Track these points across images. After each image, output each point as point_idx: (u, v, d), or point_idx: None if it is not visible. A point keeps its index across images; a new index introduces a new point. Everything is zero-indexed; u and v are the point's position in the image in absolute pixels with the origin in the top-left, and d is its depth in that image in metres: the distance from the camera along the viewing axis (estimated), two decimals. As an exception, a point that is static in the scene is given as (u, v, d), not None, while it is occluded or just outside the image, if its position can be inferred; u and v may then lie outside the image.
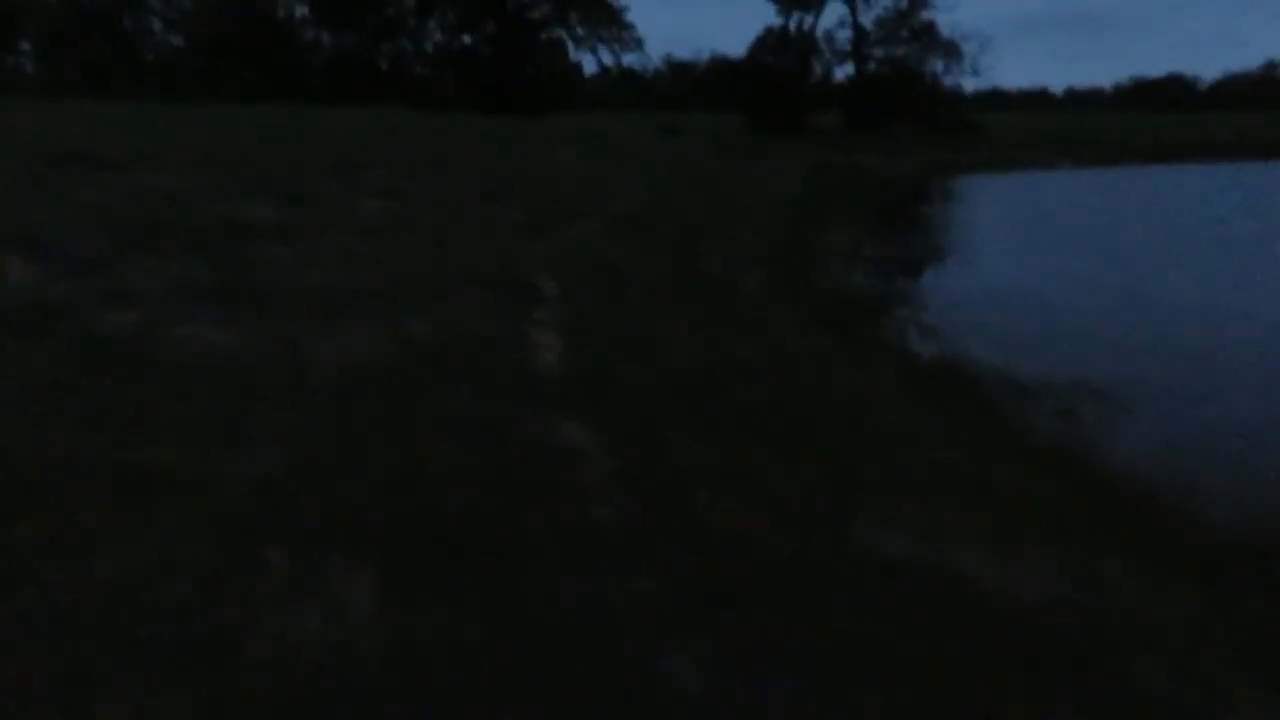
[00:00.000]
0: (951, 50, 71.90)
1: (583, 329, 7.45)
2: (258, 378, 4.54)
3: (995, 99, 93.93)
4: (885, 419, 6.73)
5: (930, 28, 72.07)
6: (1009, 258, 20.27)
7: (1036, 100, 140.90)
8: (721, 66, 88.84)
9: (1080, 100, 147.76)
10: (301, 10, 62.30)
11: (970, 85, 74.36)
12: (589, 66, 77.39)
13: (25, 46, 64.52)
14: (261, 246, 7.34)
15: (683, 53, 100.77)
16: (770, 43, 68.55)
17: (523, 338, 6.68)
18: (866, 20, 71.01)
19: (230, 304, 5.60)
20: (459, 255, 9.43)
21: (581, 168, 26.26)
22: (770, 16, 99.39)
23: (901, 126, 65.18)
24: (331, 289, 6.65)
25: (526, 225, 13.58)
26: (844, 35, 71.12)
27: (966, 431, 6.95)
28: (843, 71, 73.57)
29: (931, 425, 6.88)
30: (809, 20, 69.74)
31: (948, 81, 73.31)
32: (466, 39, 62.90)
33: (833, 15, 73.41)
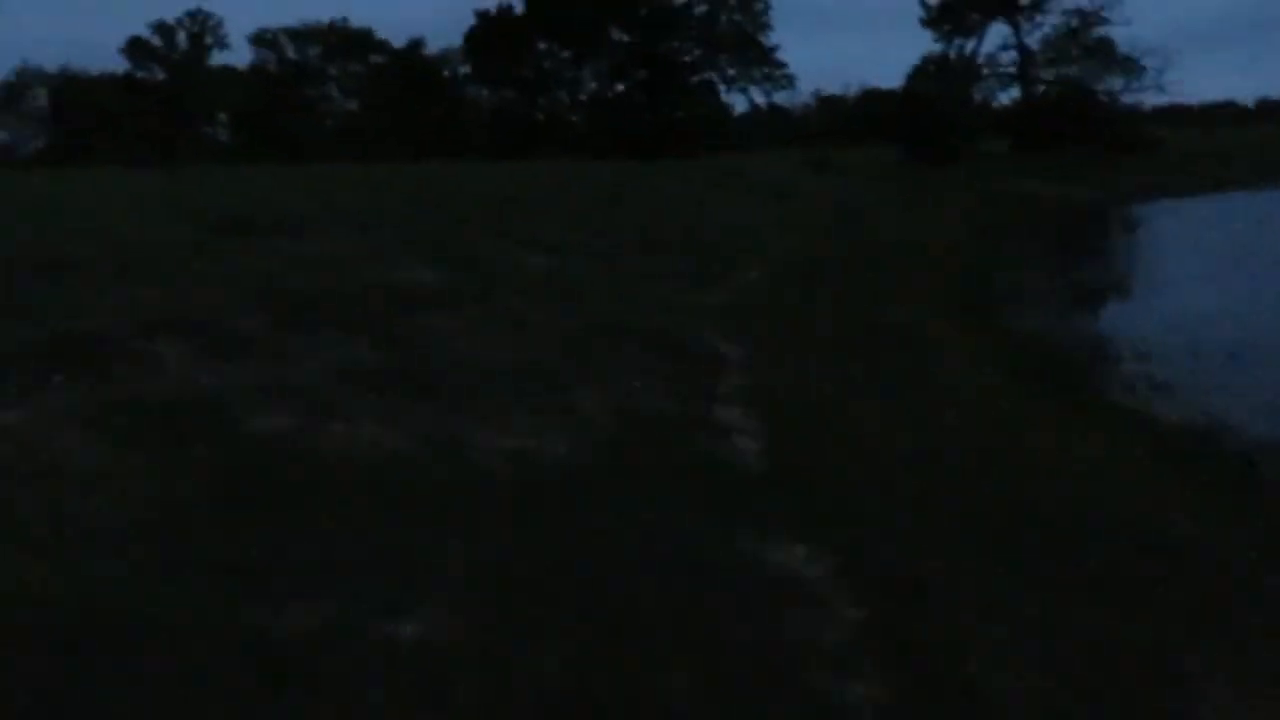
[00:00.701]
0: (1130, 67, 66.80)
1: (771, 404, 6.49)
2: (422, 492, 3.84)
3: (1175, 114, 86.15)
4: (1163, 522, 5.38)
5: (1106, 44, 67.43)
6: (1221, 293, 17.81)
7: (1223, 113, 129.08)
8: (874, 98, 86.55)
9: (1275, 111, 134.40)
10: (464, 69, 65.19)
11: (1149, 102, 68.40)
12: (738, 104, 76.87)
13: (222, 118, 70.74)
14: (426, 317, 6.82)
15: (831, 87, 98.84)
16: (929, 70, 66.03)
17: (709, 419, 5.79)
18: (1032, 40, 67.31)
19: (393, 392, 4.99)
20: (627, 315, 8.69)
21: (738, 210, 25.45)
22: (923, 46, 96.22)
23: (1076, 150, 60.98)
24: (500, 366, 5.99)
25: (691, 276, 12.79)
26: (1008, 57, 67.62)
27: (1272, 535, 5.47)
28: (1008, 95, 69.97)
29: (1224, 529, 5.47)
30: (970, 45, 66.84)
31: (1127, 100, 68.03)
32: (620, 87, 63.95)
33: (995, 38, 69.57)
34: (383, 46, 66.14)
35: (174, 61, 64.75)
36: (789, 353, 8.77)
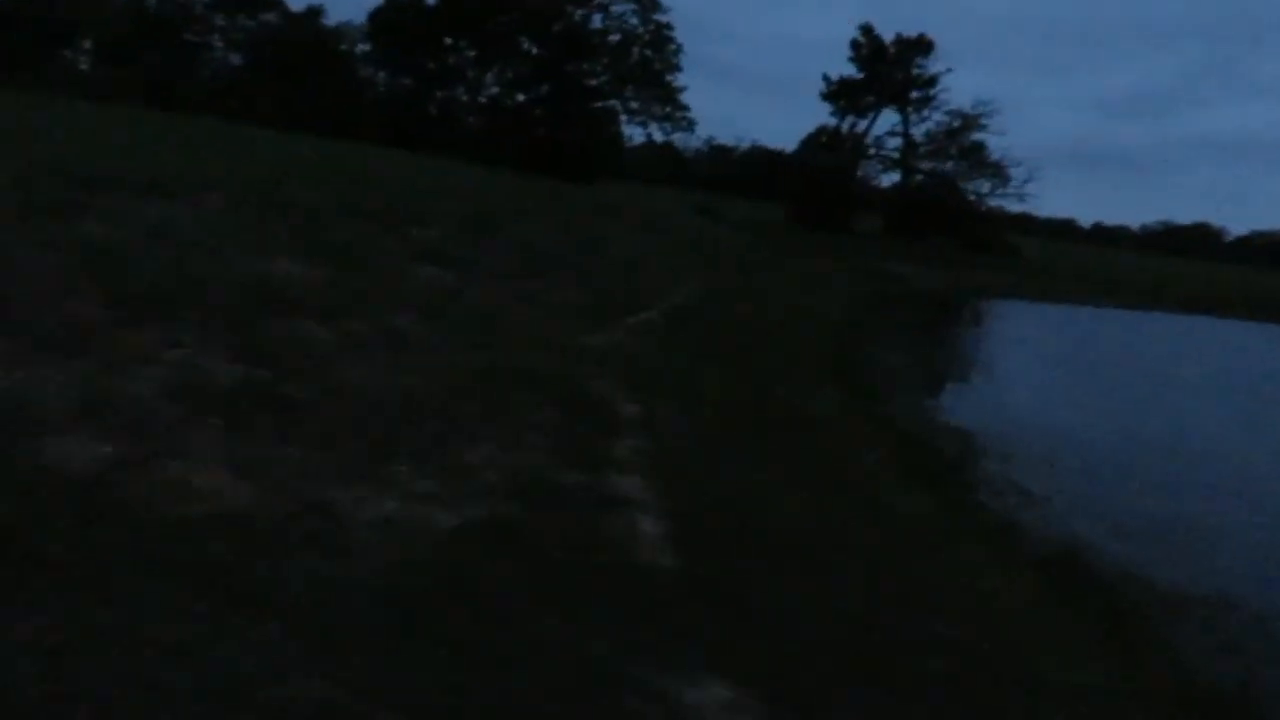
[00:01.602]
0: (998, 172, 71.69)
1: (672, 475, 5.96)
2: (268, 578, 3.03)
3: (1023, 223, 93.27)
4: (1051, 662, 5.16)
5: (979, 148, 72.13)
6: (1073, 401, 18.84)
7: (1063, 230, 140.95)
8: (764, 156, 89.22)
9: (1106, 236, 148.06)
10: (363, 47, 62.75)
11: (1010, 208, 73.74)
12: (631, 136, 76.96)
13: (87, 46, 64.81)
14: (297, 324, 5.91)
15: (720, 137, 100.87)
16: (822, 140, 68.54)
17: (609, 491, 5.18)
18: (917, 132, 71.15)
19: (249, 423, 4.12)
20: (519, 351, 8.00)
21: (631, 244, 25.11)
22: (811, 117, 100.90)
23: (939, 240, 64.65)
24: (379, 399, 5.19)
25: (584, 312, 12.20)
26: (894, 143, 71.18)
27: (1155, 684, 5.39)
28: (888, 179, 73.60)
29: (1099, 668, 5.34)
30: (862, 124, 69.94)
31: (990, 203, 72.99)
32: (520, 96, 63.03)
33: (885, 123, 73.31)
34: (278, 6, 62.65)
35: (41, -24, 58.94)
36: (685, 414, 8.30)
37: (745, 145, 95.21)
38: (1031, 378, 22.09)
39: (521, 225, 20.38)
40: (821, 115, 77.57)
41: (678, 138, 73.73)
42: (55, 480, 3.13)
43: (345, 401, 4.93)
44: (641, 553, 4.49)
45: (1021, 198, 72.09)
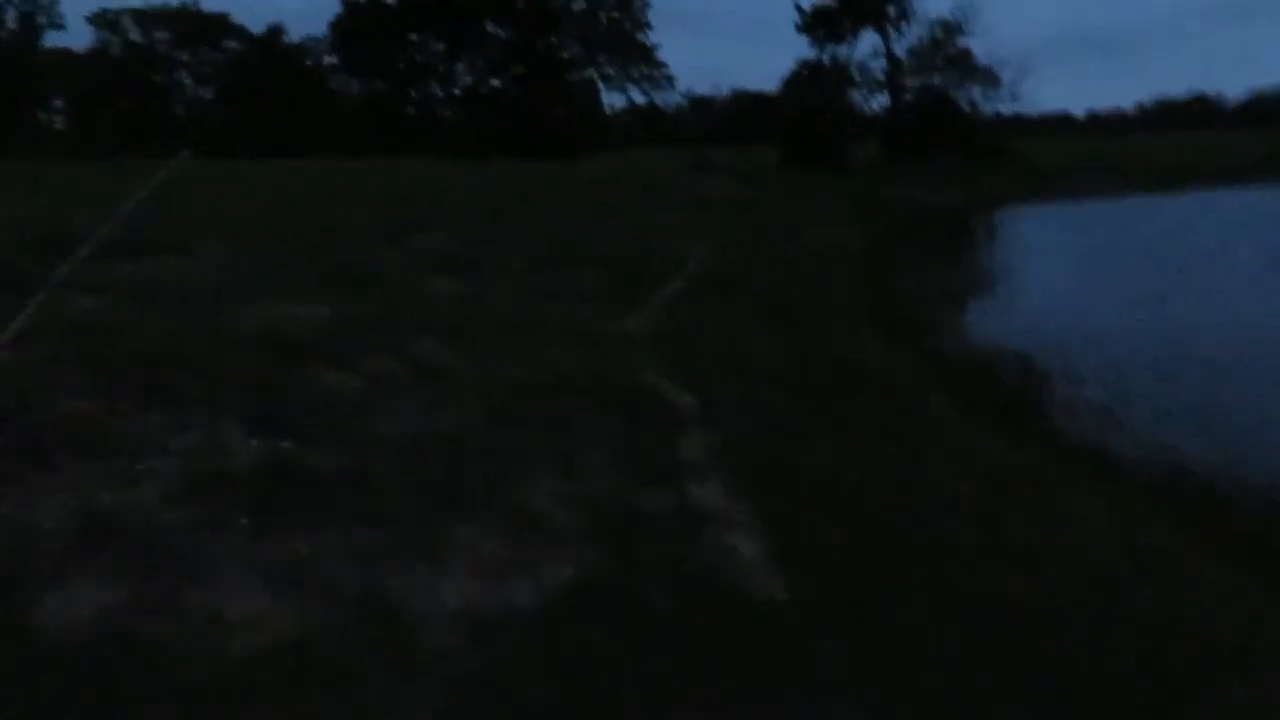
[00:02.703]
0: (988, 77, 69.99)
1: (752, 476, 5.38)
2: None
3: (1019, 125, 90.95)
4: (1242, 631, 4.57)
5: (966, 55, 70.38)
6: (1120, 302, 18.02)
7: (1058, 124, 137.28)
8: (749, 100, 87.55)
9: (1103, 123, 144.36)
10: (330, 59, 61.85)
11: (1004, 111, 71.78)
12: (612, 103, 75.28)
13: (58, 104, 64.36)
14: (318, 374, 5.36)
15: (700, 88, 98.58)
16: (805, 75, 66.97)
17: (694, 513, 4.61)
18: (900, 49, 69.38)
19: (279, 515, 3.57)
20: (554, 355, 7.42)
21: (632, 214, 24.39)
22: (789, 53, 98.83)
23: (938, 156, 63.13)
24: (421, 446, 4.63)
25: (609, 295, 11.58)
26: (877, 65, 69.47)
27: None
28: (878, 103, 71.86)
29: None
30: (843, 52, 68.23)
31: (985, 109, 71.29)
32: (495, 82, 61.95)
33: (865, 46, 71.56)
34: (239, 32, 61.79)
35: (2, 42, 58.35)
36: (740, 394, 7.71)
37: (727, 93, 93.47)
38: (1067, 283, 21.29)
39: (521, 214, 19.75)
40: (800, 49, 75.67)
41: (658, 96, 72.39)
42: (55, 647, 2.57)
43: (383, 460, 4.37)
44: (749, 583, 3.93)
45: (1015, 98, 70.32)
